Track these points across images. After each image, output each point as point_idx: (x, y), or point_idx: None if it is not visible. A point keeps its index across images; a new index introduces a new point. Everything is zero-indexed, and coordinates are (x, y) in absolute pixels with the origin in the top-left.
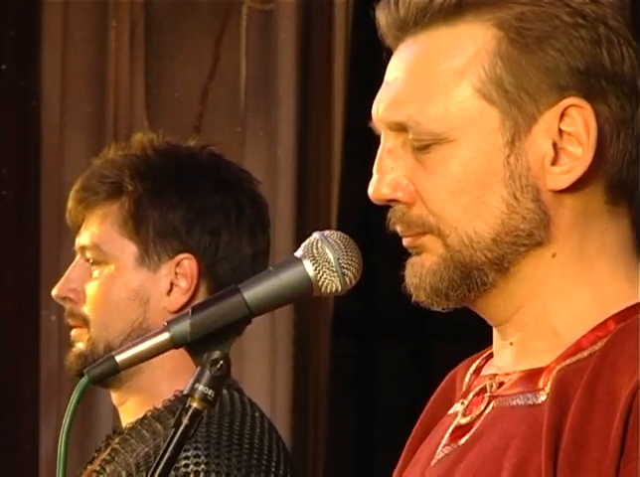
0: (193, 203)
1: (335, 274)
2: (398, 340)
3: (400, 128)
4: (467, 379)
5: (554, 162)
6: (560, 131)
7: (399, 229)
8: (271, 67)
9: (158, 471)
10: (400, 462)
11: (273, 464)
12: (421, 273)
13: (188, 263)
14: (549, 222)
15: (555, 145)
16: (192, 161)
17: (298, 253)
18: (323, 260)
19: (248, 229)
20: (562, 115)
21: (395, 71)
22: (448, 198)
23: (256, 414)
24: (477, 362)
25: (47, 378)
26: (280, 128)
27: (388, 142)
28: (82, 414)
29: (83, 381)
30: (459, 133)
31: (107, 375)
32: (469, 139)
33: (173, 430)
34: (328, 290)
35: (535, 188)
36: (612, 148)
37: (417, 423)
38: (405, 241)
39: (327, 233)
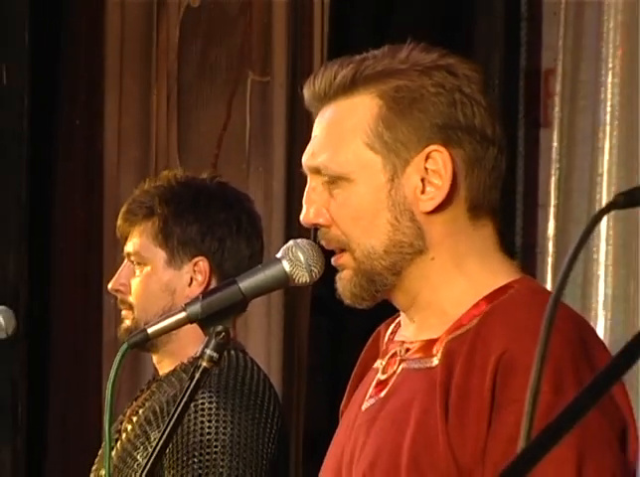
0: (204, 220)
1: (305, 270)
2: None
3: (317, 171)
4: (386, 338)
5: (422, 192)
6: (426, 169)
7: (323, 243)
8: (268, 122)
9: (179, 410)
10: (344, 401)
11: (265, 404)
12: (344, 285)
13: (202, 264)
14: (424, 235)
15: (423, 180)
16: (204, 189)
17: (278, 255)
18: (296, 260)
19: (246, 237)
20: (427, 157)
21: (315, 130)
22: (351, 222)
23: (255, 369)
24: (393, 325)
25: (107, 345)
26: (275, 167)
27: (312, 182)
28: (132, 371)
29: (124, 347)
30: (356, 175)
31: (142, 342)
32: (362, 179)
33: (188, 382)
34: (301, 282)
35: (410, 211)
36: (468, 180)
37: (355, 369)
38: (332, 261)
39: (299, 240)
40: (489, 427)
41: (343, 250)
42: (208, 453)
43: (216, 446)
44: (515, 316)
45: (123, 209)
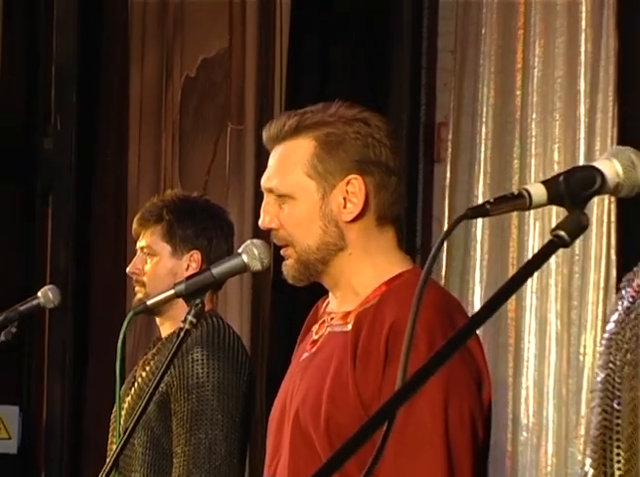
0: (198, 225)
1: (258, 261)
2: (306, 294)
3: (271, 191)
4: (322, 309)
5: (344, 207)
6: (347, 191)
7: (275, 241)
8: (242, 158)
9: (166, 362)
10: (294, 354)
11: (239, 356)
12: (288, 270)
13: (196, 255)
14: (344, 237)
15: (344, 199)
16: (197, 204)
17: (239, 251)
18: (252, 254)
19: (225, 238)
20: (348, 183)
21: (270, 161)
22: (294, 227)
23: (231, 331)
24: (327, 299)
25: (129, 312)
26: (246, 189)
27: (267, 198)
28: (147, 330)
29: (130, 314)
30: (298, 194)
31: (143, 311)
32: (302, 197)
33: (175, 339)
34: (255, 269)
35: (335, 220)
36: (377, 199)
37: (301, 331)
38: (281, 252)
39: (254, 240)
40: (383, 374)
41: (287, 246)
42: (202, 391)
43: (208, 386)
44: (403, 295)
45: (137, 216)
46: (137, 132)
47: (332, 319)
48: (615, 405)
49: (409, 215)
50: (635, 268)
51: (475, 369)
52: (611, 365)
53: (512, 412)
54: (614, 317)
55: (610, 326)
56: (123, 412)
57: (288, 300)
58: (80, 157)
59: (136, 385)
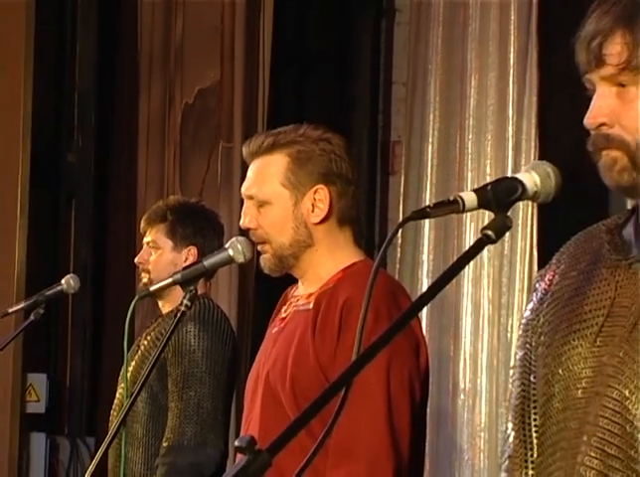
0: (195, 225)
1: (241, 255)
2: (282, 283)
3: (250, 197)
4: (290, 294)
5: (312, 211)
6: (315, 198)
7: (254, 239)
8: (231, 171)
9: (165, 339)
10: (268, 329)
11: (225, 330)
12: (264, 263)
13: (193, 250)
14: (312, 236)
15: (312, 204)
16: (194, 207)
17: (226, 246)
18: (236, 249)
19: (217, 237)
20: (315, 192)
21: (249, 173)
22: (270, 228)
23: (219, 310)
24: (294, 287)
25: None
26: (234, 196)
27: (247, 203)
28: (152, 309)
29: (135, 299)
30: (274, 201)
31: (147, 296)
32: (277, 203)
33: (173, 319)
34: (239, 262)
35: (305, 222)
36: (339, 205)
37: (274, 313)
38: (258, 248)
39: (239, 237)
40: (337, 341)
41: (264, 243)
42: (193, 357)
43: (198, 352)
44: (355, 280)
45: (145, 216)
46: (145, 149)
47: (297, 300)
48: (532, 379)
49: (369, 218)
50: (547, 265)
51: (414, 340)
52: (528, 345)
53: (452, 380)
54: (530, 306)
55: (527, 313)
56: (129, 375)
57: (268, 288)
58: (98, 169)
59: (139, 352)
